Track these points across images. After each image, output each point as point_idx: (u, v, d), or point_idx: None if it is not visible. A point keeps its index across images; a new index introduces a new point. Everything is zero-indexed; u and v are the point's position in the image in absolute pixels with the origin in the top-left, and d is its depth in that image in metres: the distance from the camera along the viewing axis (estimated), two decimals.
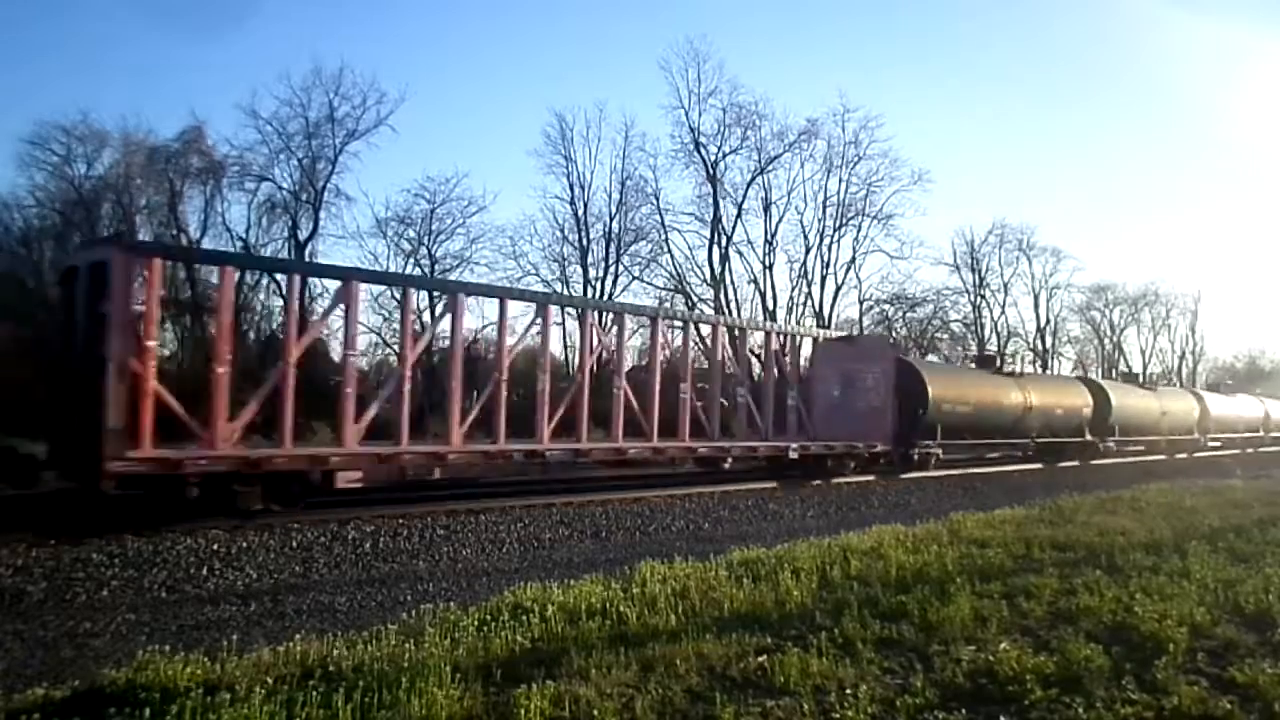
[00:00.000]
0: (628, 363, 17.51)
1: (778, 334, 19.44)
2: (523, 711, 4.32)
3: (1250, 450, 36.71)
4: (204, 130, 33.53)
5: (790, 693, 4.82)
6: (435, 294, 18.44)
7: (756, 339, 21.06)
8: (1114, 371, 51.72)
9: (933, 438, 20.56)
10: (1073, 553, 9.56)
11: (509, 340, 14.04)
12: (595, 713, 4.40)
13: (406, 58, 62.20)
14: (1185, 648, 5.77)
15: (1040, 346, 53.06)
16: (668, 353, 17.12)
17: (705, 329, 20.30)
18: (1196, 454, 32.69)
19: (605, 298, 35.47)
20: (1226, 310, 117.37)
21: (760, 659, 5.33)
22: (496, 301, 14.27)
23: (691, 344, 20.57)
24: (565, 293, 36.14)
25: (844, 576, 7.95)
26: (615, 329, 15.87)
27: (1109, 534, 10.89)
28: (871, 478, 18.81)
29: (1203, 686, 5.06)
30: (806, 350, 20.49)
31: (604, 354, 16.31)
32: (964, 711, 4.59)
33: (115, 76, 55.30)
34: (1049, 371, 47.87)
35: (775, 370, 18.70)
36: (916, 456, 20.12)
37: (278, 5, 60.89)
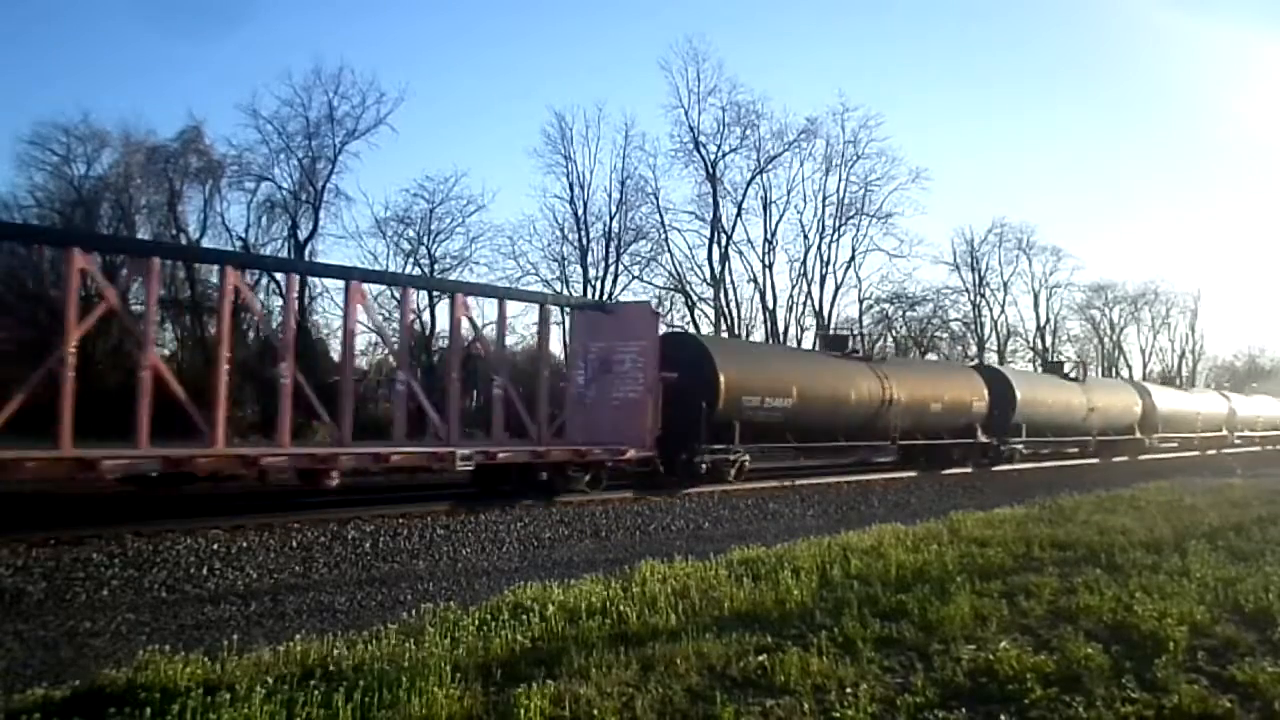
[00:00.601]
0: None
1: (465, 296, 14.38)
2: (523, 711, 4.32)
3: (1212, 452, 33.18)
4: (202, 130, 33.57)
5: (790, 692, 4.82)
6: None
7: (483, 307, 16.40)
8: (1112, 370, 51.71)
9: (730, 440, 15.68)
10: (1073, 551, 9.57)
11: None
12: (595, 712, 4.40)
13: (406, 58, 62.32)
14: (1185, 646, 5.76)
15: (1040, 345, 53.16)
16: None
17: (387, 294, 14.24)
18: (1141, 457, 29.15)
19: (605, 297, 35.42)
20: (1226, 309, 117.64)
21: (760, 658, 5.32)
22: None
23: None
24: (566, 293, 36.13)
25: (844, 575, 7.95)
26: (142, 283, 11.60)
27: (1109, 533, 10.89)
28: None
29: (1203, 685, 5.05)
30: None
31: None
32: (964, 710, 4.59)
33: (115, 76, 55.37)
34: (1044, 367, 47.46)
35: (466, 348, 15.40)
36: (705, 466, 15.21)
37: (278, 5, 60.94)
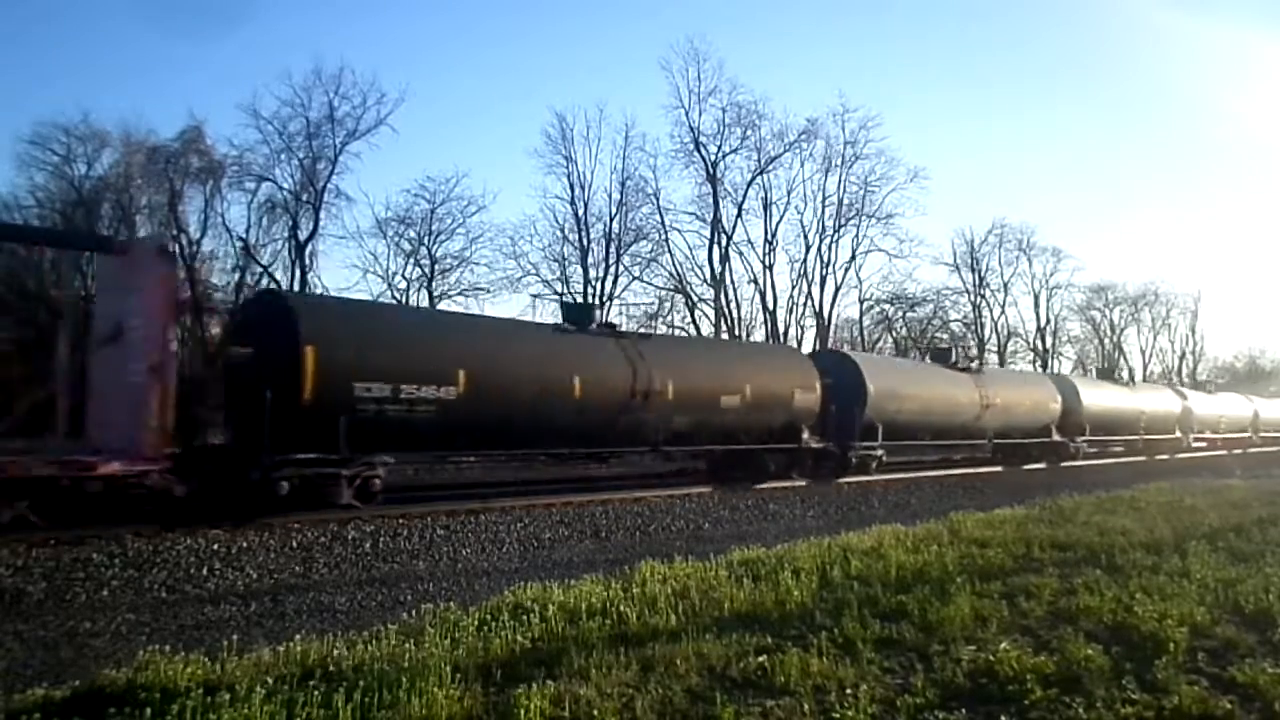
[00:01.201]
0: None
1: None
2: (523, 711, 4.32)
3: (1163, 457, 28.46)
4: (203, 130, 33.59)
5: (790, 692, 4.82)
6: None
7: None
8: (1113, 371, 51.61)
9: (332, 448, 10.63)
10: (1073, 552, 9.55)
11: None
12: (595, 713, 4.40)
13: (406, 58, 62.46)
14: (1185, 647, 5.76)
15: (1040, 346, 53.20)
16: None
17: None
18: (1064, 464, 24.80)
19: (606, 298, 35.44)
20: (1226, 310, 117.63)
21: (760, 659, 5.32)
22: None
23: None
24: (566, 294, 36.11)
25: (844, 576, 7.95)
26: None
27: (1109, 533, 10.88)
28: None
29: (1203, 686, 5.06)
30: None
31: None
32: (964, 711, 4.59)
33: (115, 76, 55.51)
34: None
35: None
36: (289, 485, 10.39)
37: (278, 5, 61.01)
